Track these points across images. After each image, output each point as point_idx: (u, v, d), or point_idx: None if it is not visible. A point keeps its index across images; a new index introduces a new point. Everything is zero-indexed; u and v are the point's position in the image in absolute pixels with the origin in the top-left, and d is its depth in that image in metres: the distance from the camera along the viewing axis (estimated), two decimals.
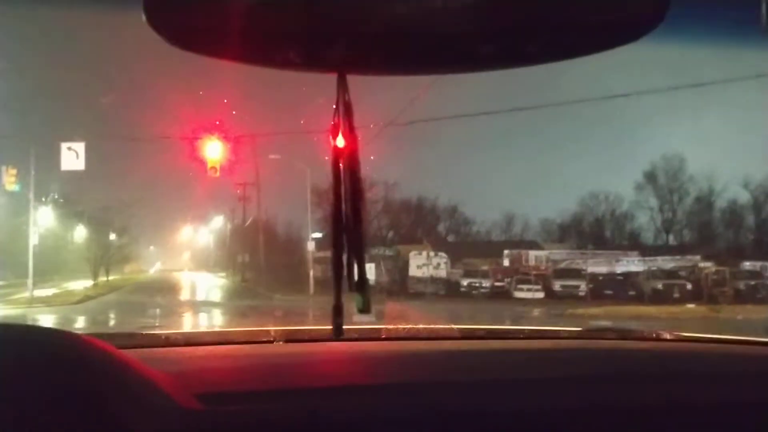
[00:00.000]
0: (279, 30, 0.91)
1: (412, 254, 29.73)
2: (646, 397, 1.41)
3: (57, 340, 1.09)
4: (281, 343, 1.86)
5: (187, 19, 0.89)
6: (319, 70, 1.00)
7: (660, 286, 25.49)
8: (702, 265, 27.52)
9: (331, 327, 1.12)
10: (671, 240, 37.97)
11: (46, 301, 21.91)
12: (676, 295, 24.53)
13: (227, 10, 0.88)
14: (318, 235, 30.12)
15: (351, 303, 1.12)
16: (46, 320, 16.46)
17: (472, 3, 0.90)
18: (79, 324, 16.06)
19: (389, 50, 0.96)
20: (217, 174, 18.81)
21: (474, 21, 0.91)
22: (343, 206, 1.06)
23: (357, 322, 1.59)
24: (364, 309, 1.06)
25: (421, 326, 2.16)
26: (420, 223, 39.84)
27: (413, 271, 28.99)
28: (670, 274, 26.94)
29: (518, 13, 0.92)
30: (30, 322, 15.43)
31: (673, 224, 38.41)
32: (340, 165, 1.05)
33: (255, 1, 0.87)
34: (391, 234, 37.87)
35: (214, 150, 18.52)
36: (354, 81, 1.03)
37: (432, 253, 29.54)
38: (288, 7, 0.89)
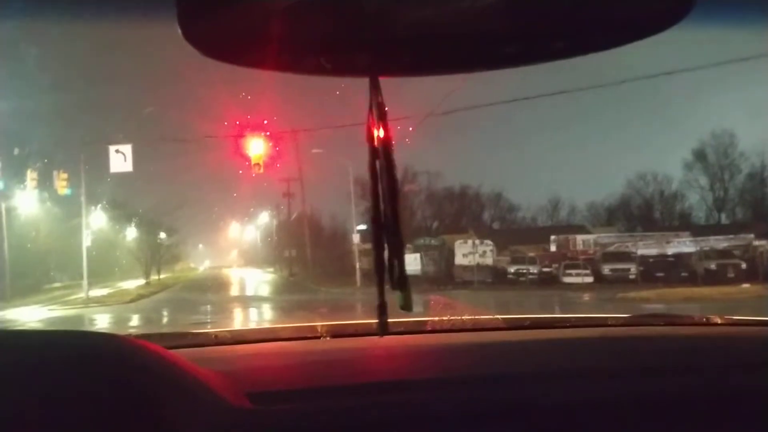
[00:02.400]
0: (310, 37, 0.92)
1: (457, 243, 29.57)
2: (697, 384, 1.39)
3: (108, 343, 1.13)
4: (328, 338, 1.87)
5: (219, 31, 0.91)
6: (351, 75, 1.01)
7: (713, 266, 24.83)
8: (757, 243, 26.72)
9: (377, 321, 1.14)
10: (723, 219, 37.00)
11: (101, 301, 22.46)
12: (731, 275, 23.86)
13: (258, 21, 0.89)
14: (363, 227, 30.19)
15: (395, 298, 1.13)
16: (102, 320, 16.88)
17: (499, 1, 0.90)
18: (134, 323, 16.43)
19: (419, 52, 0.96)
20: (261, 171, 19.01)
21: (502, 19, 0.90)
22: (382, 205, 1.08)
23: (403, 315, 1.60)
24: (405, 306, 1.08)
25: (466, 317, 2.15)
26: (464, 211, 39.64)
27: (459, 259, 28.84)
28: (724, 253, 26.20)
29: (545, 8, 0.91)
30: (87, 322, 15.87)
31: (725, 202, 37.42)
32: (377, 165, 1.07)
33: (285, 12, 0.88)
34: (435, 224, 37.79)
35: (257, 147, 18.72)
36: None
37: (477, 241, 29.34)
38: (317, 14, 0.90)
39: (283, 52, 0.93)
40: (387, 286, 1.13)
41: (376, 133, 1.05)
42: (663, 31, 0.93)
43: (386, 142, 1.05)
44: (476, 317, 2.17)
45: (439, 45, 0.94)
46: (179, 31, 0.88)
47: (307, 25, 0.90)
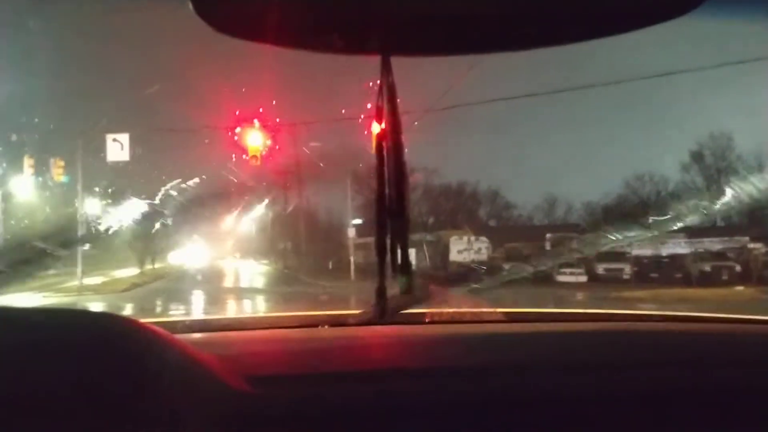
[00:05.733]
0: (323, 14, 0.91)
1: (452, 239, 29.66)
2: (693, 380, 1.39)
3: (111, 324, 1.12)
4: (326, 327, 1.88)
5: (233, 5, 0.90)
6: (363, 53, 1.00)
7: (708, 268, 24.96)
8: (751, 246, 26.85)
9: (375, 307, 1.14)
10: (719, 221, 37.12)
11: (95, 290, 22.44)
12: (725, 277, 24.00)
13: None
14: (358, 221, 30.26)
15: (392, 287, 1.13)
16: (96, 308, 16.85)
17: None
18: (128, 311, 16.42)
19: (432, 31, 0.95)
20: (258, 162, 18.96)
21: (516, 0, 0.90)
22: (387, 190, 1.07)
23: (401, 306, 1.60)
24: (407, 291, 1.08)
25: (465, 309, 2.15)
26: (461, 208, 39.71)
27: (454, 256, 28.94)
28: (718, 255, 26.33)
29: None
30: None
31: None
32: (384, 148, 1.06)
33: None
34: (432, 220, 37.84)
35: (254, 139, 18.65)
36: (394, 66, 1.03)
37: (473, 238, 29.42)
38: None
39: (294, 28, 0.92)
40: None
41: (385, 114, 1.04)
42: (677, 17, 0.92)
43: (395, 124, 1.04)
44: (476, 310, 2.17)
45: (453, 25, 0.93)
46: (191, 6, 0.87)
47: (321, 1, 0.90)
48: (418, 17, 0.92)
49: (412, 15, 0.91)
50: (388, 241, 1.08)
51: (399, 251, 1.08)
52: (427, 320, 2.04)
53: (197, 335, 1.73)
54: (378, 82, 1.02)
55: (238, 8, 0.90)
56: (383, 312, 1.13)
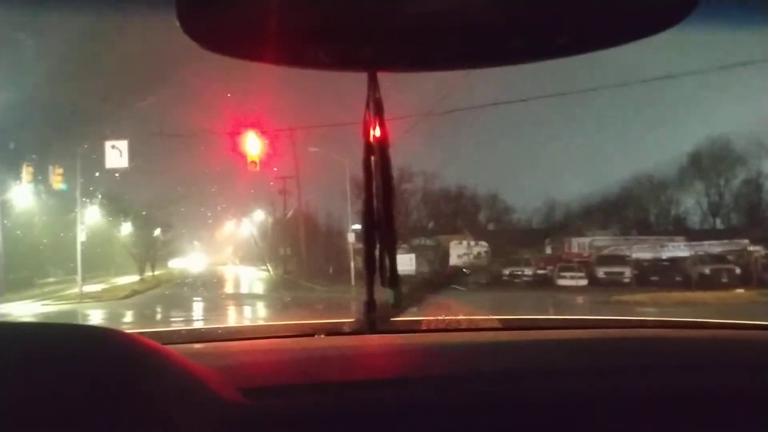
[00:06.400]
0: (309, 31, 0.92)
1: (452, 244, 29.64)
2: (692, 385, 1.40)
3: (103, 337, 1.13)
4: (322, 336, 1.88)
5: (218, 24, 0.91)
6: (350, 70, 1.01)
7: (707, 271, 24.91)
8: (751, 248, 26.78)
9: (366, 319, 1.14)
10: (718, 224, 37.04)
11: (95, 297, 22.39)
12: (725, 280, 23.93)
13: (257, 14, 0.89)
14: (358, 226, 30.21)
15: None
16: (96, 315, 16.84)
17: None
18: (127, 319, 16.40)
19: (418, 48, 0.96)
20: (257, 168, 18.96)
21: (503, 15, 0.90)
22: (375, 202, 1.08)
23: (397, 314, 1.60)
24: (397, 304, 1.08)
25: (461, 317, 2.15)
26: (460, 212, 39.59)
27: (454, 260, 28.90)
28: (718, 258, 26.27)
29: (548, 4, 0.91)
30: (80, 318, 15.85)
31: (720, 207, 37.42)
32: (372, 161, 1.07)
33: (284, 5, 0.88)
34: (431, 224, 37.77)
35: (253, 144, 18.65)
36: (387, 75, 1.04)
37: (472, 242, 29.40)
38: (317, 7, 0.90)
39: (281, 46, 0.93)
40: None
41: (372, 129, 1.04)
42: (666, 29, 0.93)
43: (382, 139, 1.05)
44: (470, 317, 2.17)
45: (439, 41, 0.94)
46: (178, 24, 0.88)
47: (307, 19, 0.90)
48: (403, 35, 0.92)
49: (397, 32, 0.92)
50: (377, 253, 1.09)
51: (388, 262, 1.09)
52: (423, 328, 2.04)
53: (193, 346, 1.73)
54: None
55: (224, 26, 0.91)
56: (374, 323, 1.13)
